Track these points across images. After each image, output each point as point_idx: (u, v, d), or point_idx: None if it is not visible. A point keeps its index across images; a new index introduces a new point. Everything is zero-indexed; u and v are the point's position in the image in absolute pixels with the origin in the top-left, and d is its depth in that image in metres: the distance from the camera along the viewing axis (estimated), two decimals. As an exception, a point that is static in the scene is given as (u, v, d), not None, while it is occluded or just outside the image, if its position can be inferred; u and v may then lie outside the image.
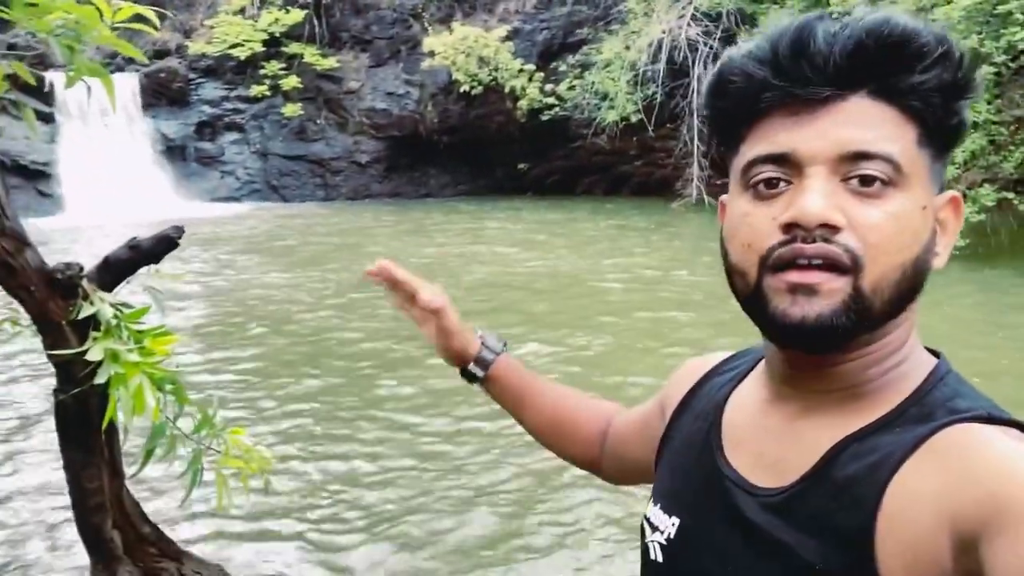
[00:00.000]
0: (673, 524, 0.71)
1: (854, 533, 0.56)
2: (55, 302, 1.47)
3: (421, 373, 5.40)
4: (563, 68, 17.17)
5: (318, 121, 18.56)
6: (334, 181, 18.55)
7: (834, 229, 0.58)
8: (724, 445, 0.71)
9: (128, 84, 17.69)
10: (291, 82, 17.95)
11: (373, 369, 5.59)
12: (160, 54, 18.52)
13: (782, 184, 0.61)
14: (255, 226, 14.07)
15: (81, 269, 1.50)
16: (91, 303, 1.53)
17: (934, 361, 0.65)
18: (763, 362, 0.72)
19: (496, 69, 17.00)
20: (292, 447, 4.19)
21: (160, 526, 1.86)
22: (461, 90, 17.19)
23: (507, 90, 17.11)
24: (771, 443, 0.66)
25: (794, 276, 0.59)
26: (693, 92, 14.84)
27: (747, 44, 0.63)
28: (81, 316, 1.50)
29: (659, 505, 0.74)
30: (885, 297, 0.59)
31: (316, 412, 4.73)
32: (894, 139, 0.59)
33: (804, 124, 0.60)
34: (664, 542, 0.71)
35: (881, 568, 0.54)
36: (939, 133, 0.61)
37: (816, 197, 0.58)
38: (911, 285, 0.60)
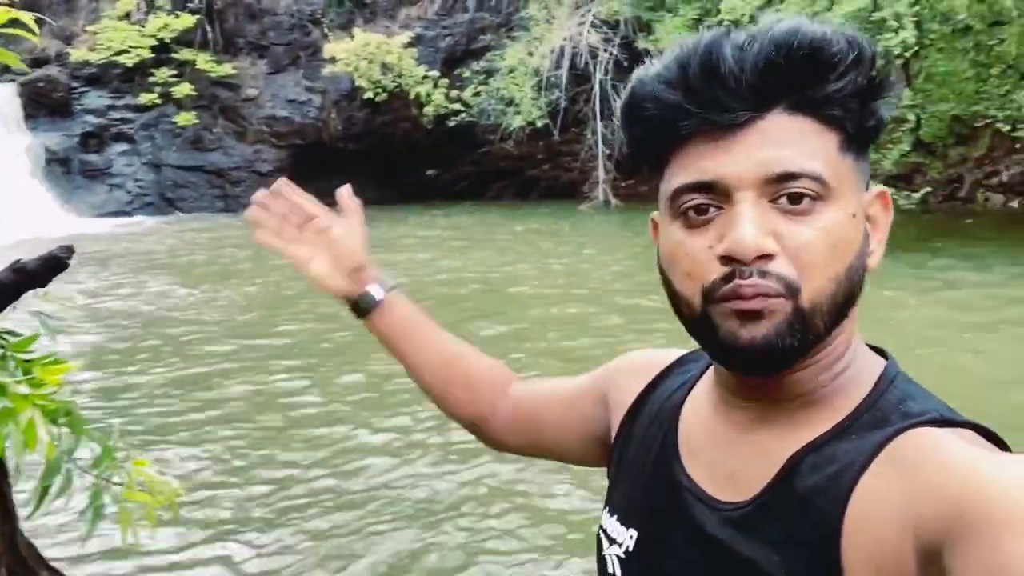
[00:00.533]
0: (631, 537, 0.70)
1: (819, 546, 0.56)
2: (-71, 334, 1.34)
3: (338, 391, 5.27)
4: (468, 74, 17.23)
5: (215, 130, 17.86)
6: (234, 192, 17.88)
7: (768, 257, 0.58)
8: (681, 454, 0.70)
9: (4, 94, 16.50)
10: (183, 90, 17.20)
11: (289, 383, 5.41)
12: (39, 62, 17.33)
13: (712, 210, 0.60)
14: (149, 241, 13.39)
15: (-42, 296, 1.38)
16: (-29, 333, 1.40)
17: (882, 363, 0.65)
18: (711, 371, 0.72)
19: (400, 75, 16.87)
20: (206, 473, 4.00)
21: (62, 568, 1.73)
22: (365, 97, 16.96)
23: (412, 96, 17.00)
24: (727, 452, 0.66)
25: (738, 304, 0.59)
26: (595, 97, 15.20)
27: (655, 66, 0.62)
28: (-40, 347, 1.37)
29: (616, 516, 0.73)
30: (824, 310, 0.59)
31: (230, 434, 4.53)
32: (816, 153, 0.59)
33: (726, 149, 0.59)
34: (623, 555, 0.70)
35: None
36: (860, 135, 0.61)
37: (748, 227, 0.58)
38: (848, 294, 0.61)
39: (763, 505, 0.60)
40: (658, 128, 0.62)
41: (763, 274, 0.58)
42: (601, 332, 6.39)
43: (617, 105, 0.71)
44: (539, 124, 16.01)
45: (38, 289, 1.61)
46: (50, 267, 1.53)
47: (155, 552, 3.16)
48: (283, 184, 0.97)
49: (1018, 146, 11.38)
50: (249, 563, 3.14)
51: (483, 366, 0.97)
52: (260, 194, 0.97)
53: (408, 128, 17.51)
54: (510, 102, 16.34)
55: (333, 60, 16.71)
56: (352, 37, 16.87)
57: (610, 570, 0.71)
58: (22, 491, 1.77)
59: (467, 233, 13.19)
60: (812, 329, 0.59)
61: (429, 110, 17.02)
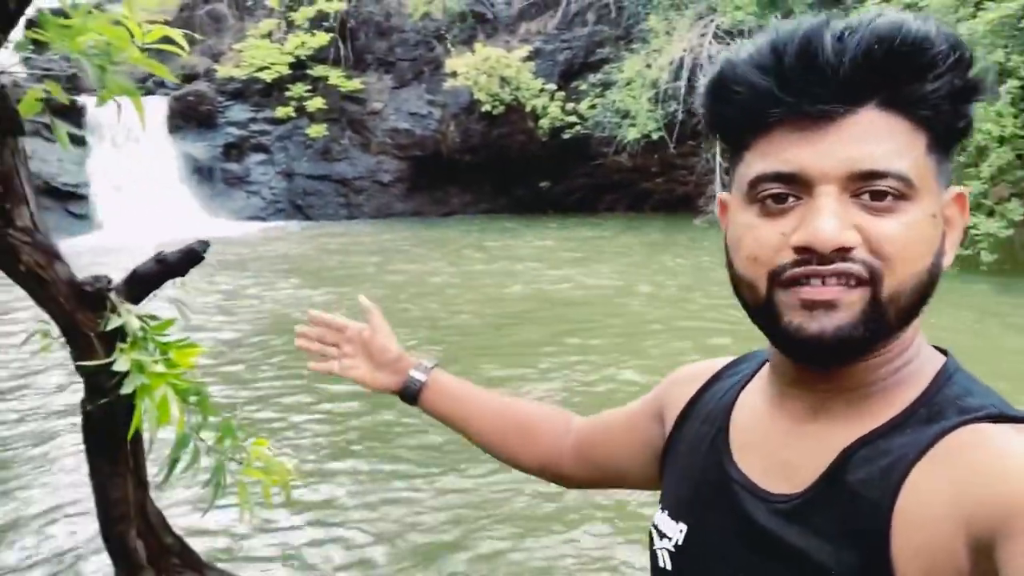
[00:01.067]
0: (681, 531, 0.70)
1: (869, 537, 0.55)
2: (83, 314, 1.50)
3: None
4: (584, 87, 17.26)
5: (342, 141, 18.81)
6: (357, 200, 18.75)
7: (848, 250, 0.57)
8: (732, 449, 0.70)
9: (158, 107, 18.11)
10: (316, 103, 18.24)
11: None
12: (189, 78, 18.93)
13: (791, 199, 0.59)
14: (281, 245, 14.25)
15: (109, 282, 1.54)
16: (118, 315, 1.56)
17: (942, 359, 0.64)
18: (768, 365, 0.72)
19: (517, 89, 17.14)
20: (321, 464, 4.21)
21: (183, 537, 1.88)
22: (483, 110, 17.34)
23: (528, 109, 17.22)
24: (780, 445, 0.66)
25: (809, 292, 0.58)
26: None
27: (748, 47, 0.61)
28: (108, 328, 1.53)
29: (667, 512, 0.73)
30: (901, 305, 0.59)
31: (349, 429, 4.74)
32: (905, 153, 0.58)
33: (813, 141, 0.58)
34: (672, 549, 0.70)
35: (897, 572, 0.54)
36: (948, 137, 0.60)
37: (830, 220, 0.57)
38: (925, 292, 0.60)
39: (814, 496, 0.60)
40: (745, 112, 0.61)
41: (845, 260, 0.57)
42: (708, 350, 6.22)
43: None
44: (655, 136, 15.80)
45: (177, 279, 1.77)
46: (188, 259, 1.68)
47: (266, 530, 3.36)
48: (310, 313, 1.13)
49: None
50: (351, 549, 3.28)
51: (535, 412, 1.00)
52: (300, 328, 1.13)
53: (523, 140, 17.74)
54: (626, 114, 16.23)
55: (454, 74, 17.22)
56: (473, 52, 17.33)
57: (661, 564, 0.71)
58: (156, 462, 1.94)
59: (580, 245, 13.18)
60: (886, 322, 0.59)
61: (545, 123, 17.19)
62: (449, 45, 18.17)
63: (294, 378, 5.81)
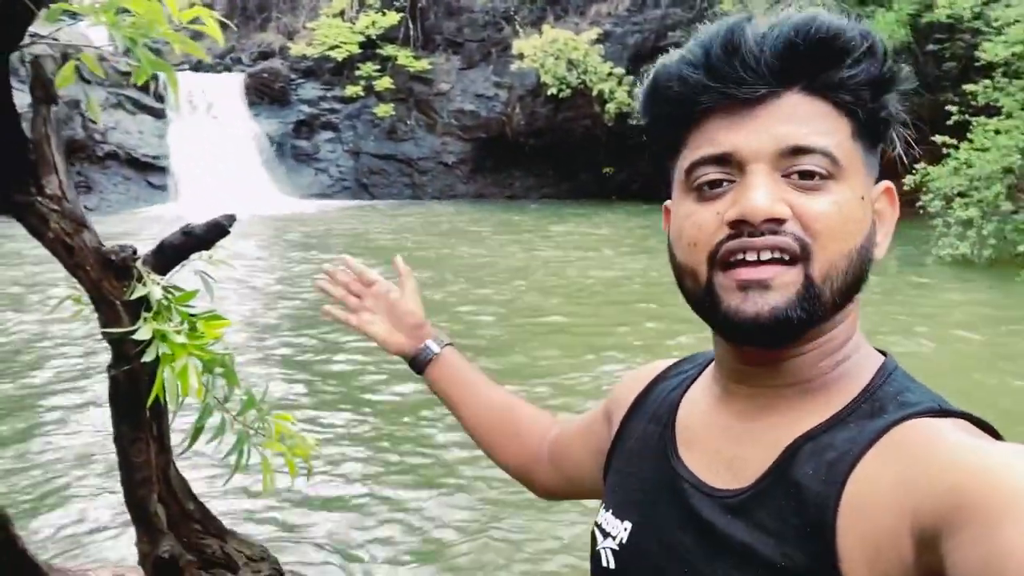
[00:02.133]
0: (625, 529, 0.70)
1: (815, 530, 0.56)
2: (109, 282, 1.54)
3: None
4: (653, 72, 16.95)
5: (408, 121, 19.02)
6: (421, 180, 18.96)
7: (780, 222, 0.59)
8: (678, 446, 0.71)
9: (235, 83, 18.65)
10: (384, 83, 18.48)
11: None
12: (264, 55, 19.43)
13: (725, 183, 0.62)
14: (347, 221, 14.52)
15: (135, 251, 1.57)
16: (144, 284, 1.59)
17: (881, 358, 0.66)
18: (712, 364, 0.73)
19: (585, 72, 16.95)
20: (346, 443, 4.28)
21: (206, 504, 1.92)
22: (549, 93, 17.23)
23: (595, 93, 17.02)
24: (725, 442, 0.66)
25: (744, 273, 0.60)
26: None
27: (678, 51, 0.65)
28: (133, 297, 1.56)
29: (611, 511, 0.73)
30: (835, 286, 0.60)
31: (377, 411, 4.81)
32: (829, 133, 0.61)
33: (742, 123, 0.61)
34: (616, 547, 0.70)
35: (843, 563, 0.54)
36: (871, 126, 0.63)
37: (760, 192, 0.59)
38: (857, 274, 0.62)
39: (760, 491, 0.61)
40: (678, 106, 0.64)
41: (775, 233, 0.59)
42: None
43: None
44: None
45: (205, 251, 1.79)
46: (215, 232, 1.70)
47: (289, 504, 3.44)
48: (345, 259, 1.12)
49: None
50: (366, 529, 3.33)
51: (530, 416, 1.00)
52: (326, 267, 1.12)
53: (589, 125, 17.56)
54: (695, 101, 15.87)
55: (521, 56, 17.15)
56: (541, 34, 17.19)
57: (604, 563, 0.71)
58: (181, 429, 1.99)
59: (639, 233, 13.00)
60: (822, 304, 0.60)
61: (611, 107, 16.96)
62: (517, 26, 18.08)
63: (328, 351, 5.92)
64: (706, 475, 0.66)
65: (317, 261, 9.99)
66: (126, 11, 1.59)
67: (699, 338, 6.40)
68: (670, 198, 0.70)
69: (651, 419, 0.76)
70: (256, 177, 18.01)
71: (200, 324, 1.74)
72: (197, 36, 1.80)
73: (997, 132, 9.05)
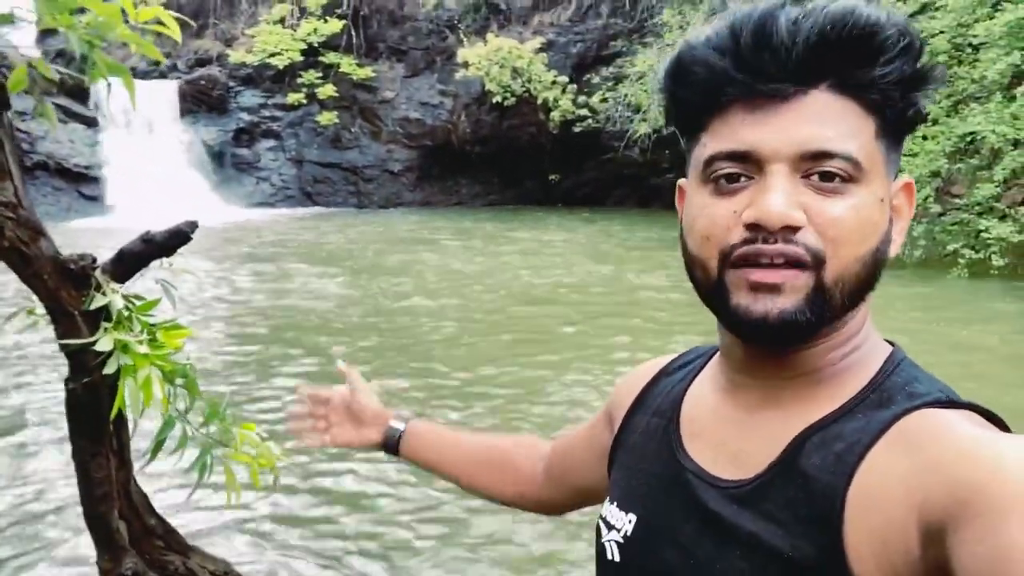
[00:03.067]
0: (630, 521, 0.70)
1: (823, 521, 0.56)
2: (67, 292, 1.48)
3: (431, 385, 5.40)
4: (596, 80, 17.20)
5: (352, 129, 18.83)
6: (367, 189, 18.78)
7: (795, 229, 0.58)
8: (683, 438, 0.70)
9: (170, 90, 18.14)
10: (327, 91, 18.25)
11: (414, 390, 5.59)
12: (202, 62, 18.96)
13: (743, 179, 0.61)
14: (289, 230, 14.27)
15: (94, 260, 1.52)
16: (103, 294, 1.54)
17: (889, 348, 0.66)
18: (717, 355, 0.72)
19: (529, 80, 17.10)
20: (309, 454, 4.21)
21: (168, 519, 1.87)
22: (494, 101, 17.32)
23: (540, 101, 17.18)
24: (732, 433, 0.66)
25: (756, 275, 0.59)
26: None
27: (707, 31, 0.63)
28: (93, 307, 1.51)
29: (615, 503, 0.73)
30: (846, 290, 0.60)
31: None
32: (854, 135, 0.59)
33: (766, 120, 0.59)
34: (621, 540, 0.70)
35: (851, 554, 0.54)
36: (897, 124, 0.61)
37: (778, 197, 0.58)
38: (870, 276, 0.61)
39: (767, 481, 0.60)
40: (702, 93, 0.62)
41: (788, 241, 0.58)
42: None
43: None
44: (666, 132, 15.73)
45: (164, 259, 1.75)
46: (176, 239, 1.66)
47: (253, 517, 3.37)
48: (300, 389, 1.19)
49: None
50: (336, 544, 3.28)
51: (507, 445, 1.03)
52: (292, 411, 1.20)
53: (534, 133, 17.71)
54: (637, 109, 16.16)
55: (466, 65, 17.19)
56: (486, 42, 17.28)
57: (609, 556, 0.71)
58: (141, 444, 1.93)
59: (582, 238, 13.15)
60: (831, 306, 0.60)
61: (556, 115, 17.14)
62: (462, 35, 18.12)
63: (282, 361, 5.82)
64: (711, 466, 0.65)
65: (268, 274, 9.79)
66: (81, 11, 1.55)
67: (679, 341, 6.51)
68: (684, 176, 0.69)
69: (655, 413, 0.76)
70: (194, 186, 17.53)
71: (159, 334, 1.70)
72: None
73: (924, 138, 9.49)
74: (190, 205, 16.14)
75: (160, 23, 1.70)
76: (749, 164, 0.60)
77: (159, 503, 1.97)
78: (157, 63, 18.54)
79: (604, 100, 16.90)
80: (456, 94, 18.15)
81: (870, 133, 0.60)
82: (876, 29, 0.58)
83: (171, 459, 1.96)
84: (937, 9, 9.53)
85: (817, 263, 0.58)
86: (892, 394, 0.60)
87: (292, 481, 3.77)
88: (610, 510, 0.73)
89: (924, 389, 0.60)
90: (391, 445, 1.08)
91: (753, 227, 0.59)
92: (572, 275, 9.69)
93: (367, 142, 18.88)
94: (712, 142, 0.62)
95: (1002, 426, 0.58)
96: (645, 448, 0.74)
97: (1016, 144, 8.71)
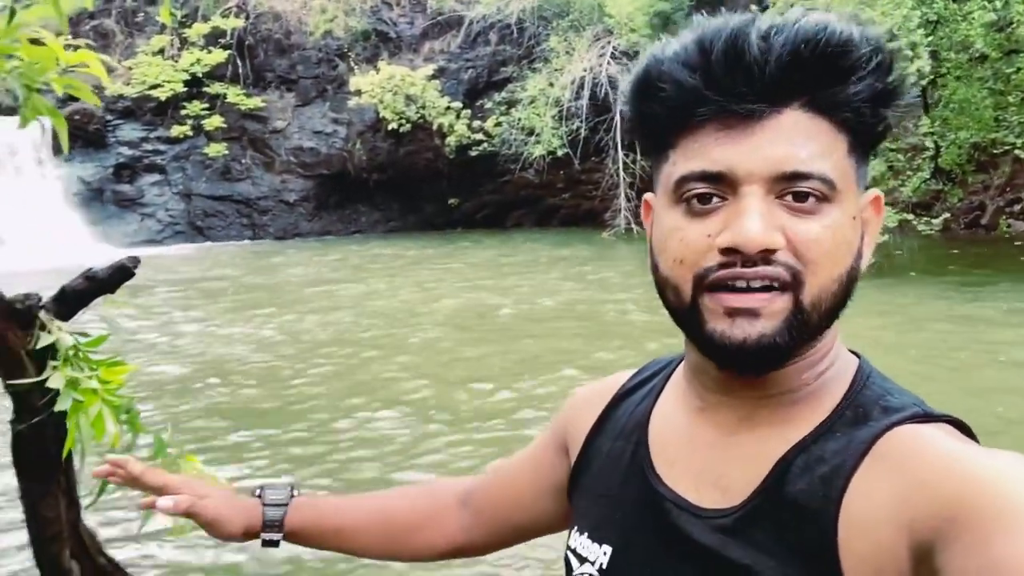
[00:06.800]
0: (605, 553, 0.67)
1: (815, 548, 0.55)
2: (14, 332, 1.49)
3: (368, 419, 5.38)
4: (489, 105, 17.55)
5: (243, 160, 18.32)
6: (261, 221, 18.28)
7: (772, 251, 0.57)
8: (656, 464, 0.67)
9: (39, 126, 17.07)
10: (214, 122, 17.70)
11: (326, 414, 5.50)
12: (74, 96, 17.97)
13: (715, 200, 0.59)
14: (178, 269, 13.70)
15: (40, 299, 1.53)
16: (49, 332, 1.56)
17: (856, 360, 0.65)
18: (681, 373, 0.70)
19: (423, 107, 17.23)
20: (246, 481, 4.12)
21: (116, 557, 1.85)
22: (389, 128, 17.32)
23: (435, 127, 17.34)
24: (711, 458, 0.64)
25: (734, 300, 0.58)
26: (616, 126, 15.40)
27: (674, 44, 0.61)
28: (39, 346, 1.52)
29: (586, 534, 0.70)
30: (823, 310, 0.59)
31: (272, 456, 4.65)
32: (828, 154, 0.58)
33: (739, 140, 0.58)
34: (596, 573, 0.67)
35: None
36: (867, 139, 0.61)
37: (756, 221, 0.57)
38: (846, 295, 0.61)
39: (755, 510, 0.59)
40: (671, 110, 0.60)
41: (767, 263, 0.57)
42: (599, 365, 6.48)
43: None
44: (560, 153, 16.24)
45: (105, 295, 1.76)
46: (119, 275, 1.68)
47: (202, 547, 3.28)
48: (115, 460, 0.94)
49: (1039, 173, 11.36)
50: (288, 558, 3.25)
51: (418, 498, 0.91)
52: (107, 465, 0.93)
53: (431, 158, 17.82)
54: (531, 132, 16.61)
55: (359, 93, 17.13)
56: (377, 70, 17.30)
57: None
58: (86, 481, 1.91)
59: (486, 260, 13.34)
60: (808, 327, 0.59)
61: (452, 140, 17.34)
62: (352, 63, 18.06)
63: (202, 401, 5.65)
64: (693, 494, 0.63)
65: (158, 314, 9.38)
66: (10, 56, 1.58)
67: (605, 363, 6.72)
68: (651, 191, 0.67)
69: (619, 436, 0.72)
70: (70, 227, 16.51)
71: (102, 370, 1.71)
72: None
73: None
74: (65, 247, 15.19)
75: (86, 66, 1.74)
76: (722, 185, 0.59)
77: (107, 534, 1.95)
78: (16, 100, 17.41)
79: (498, 124, 17.27)
80: (350, 122, 18.03)
81: (843, 151, 0.59)
82: (850, 47, 0.57)
83: (118, 494, 1.95)
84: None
85: (796, 284, 0.57)
86: (868, 409, 0.59)
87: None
88: (580, 541, 0.70)
89: (898, 402, 0.59)
90: (273, 524, 0.86)
91: (729, 251, 0.57)
92: (492, 297, 9.82)
93: (260, 173, 18.40)
94: (683, 161, 0.60)
95: (970, 434, 0.59)
96: (612, 474, 0.71)
97: (875, 153, 9.57)
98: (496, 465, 0.90)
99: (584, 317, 8.38)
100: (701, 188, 0.59)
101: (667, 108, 0.61)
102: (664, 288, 0.63)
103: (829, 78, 0.58)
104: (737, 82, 0.57)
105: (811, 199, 0.58)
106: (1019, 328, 7.10)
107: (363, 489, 4.03)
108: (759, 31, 0.57)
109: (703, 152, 0.59)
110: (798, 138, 0.58)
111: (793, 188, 0.58)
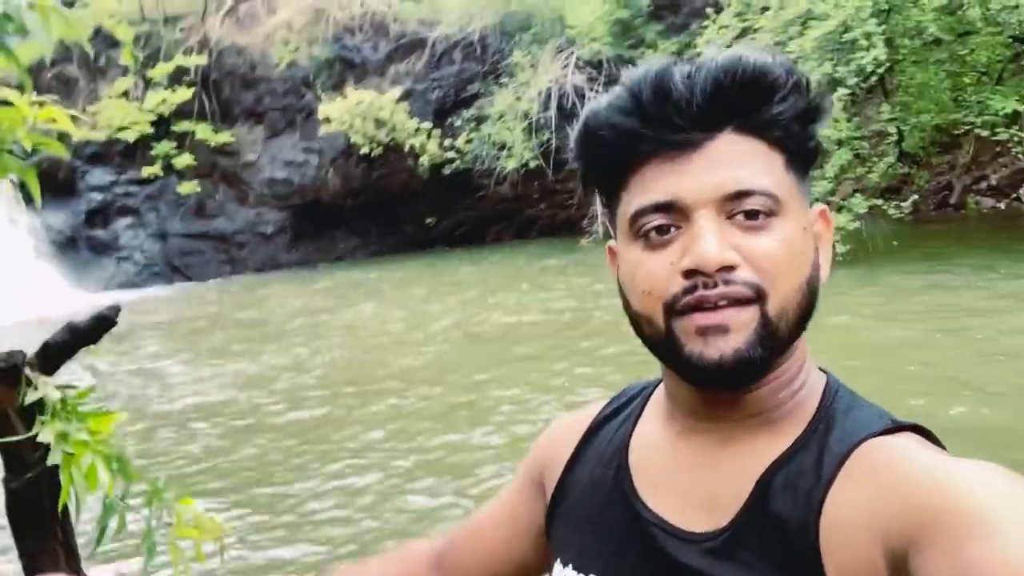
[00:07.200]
0: None
1: (800, 562, 0.57)
2: (1, 390, 1.50)
3: (356, 452, 5.36)
4: (459, 123, 17.63)
5: (217, 196, 18.25)
6: (240, 255, 18.18)
7: (731, 268, 0.60)
8: (639, 488, 0.69)
9: (6, 182, 16.89)
10: (185, 160, 17.64)
11: (306, 454, 5.47)
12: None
13: (672, 230, 0.62)
14: (157, 311, 13.58)
15: (24, 356, 1.54)
16: (35, 388, 1.57)
17: (824, 376, 0.68)
18: (659, 397, 0.72)
19: (394, 129, 17.28)
20: (259, 530, 4.10)
21: (118, 606, 1.85)
22: (361, 152, 17.34)
23: (407, 148, 17.38)
24: (694, 480, 0.65)
25: (702, 319, 0.60)
26: (585, 135, 15.50)
27: (607, 97, 0.65)
28: (28, 401, 1.53)
29: (570, 565, 0.70)
30: (790, 320, 0.62)
31: (259, 496, 4.62)
32: (766, 171, 0.62)
33: (682, 170, 0.61)
34: None
35: None
36: (801, 156, 0.65)
37: (710, 240, 0.59)
38: (810, 305, 0.63)
39: (740, 530, 0.61)
40: (615, 153, 0.64)
41: (728, 282, 0.60)
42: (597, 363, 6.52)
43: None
44: (532, 165, 16.33)
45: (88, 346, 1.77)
46: (100, 325, 1.69)
47: None
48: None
49: (999, 149, 11.61)
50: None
51: (384, 569, 0.90)
52: None
53: (405, 179, 17.85)
54: (502, 146, 16.70)
55: (328, 120, 17.15)
56: (345, 96, 17.34)
57: None
58: (82, 532, 1.91)
59: (466, 277, 13.35)
60: (778, 339, 0.62)
61: (424, 160, 17.39)
62: (319, 92, 18.09)
63: (195, 443, 5.61)
64: (678, 518, 0.64)
65: (132, 352, 9.29)
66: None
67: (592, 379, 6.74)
68: (612, 237, 0.70)
69: (599, 463, 0.73)
70: (43, 276, 16.33)
71: (90, 421, 1.72)
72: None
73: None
74: (40, 297, 15.02)
75: (54, 120, 1.77)
76: (675, 213, 0.62)
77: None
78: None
79: (469, 141, 17.34)
80: (321, 150, 18.03)
81: (780, 168, 0.63)
82: (765, 71, 0.62)
83: (117, 543, 1.95)
84: (755, 31, 10.57)
85: (760, 297, 0.60)
86: (839, 423, 0.62)
87: (243, 552, 3.68)
88: (565, 573, 0.70)
89: (866, 415, 0.63)
90: None
91: (691, 273, 0.60)
92: (477, 313, 9.83)
93: (234, 208, 18.33)
94: (634, 198, 0.64)
95: (937, 442, 0.62)
96: (594, 501, 0.71)
97: (840, 143, 9.75)
98: (467, 520, 0.88)
99: (572, 326, 8.42)
100: (656, 220, 0.63)
101: (609, 152, 0.65)
102: (639, 322, 0.65)
103: (753, 100, 0.62)
104: (669, 115, 0.62)
105: (760, 215, 0.61)
106: (992, 299, 7.23)
107: (362, 525, 4.03)
108: (682, 71, 0.62)
109: (651, 185, 0.63)
110: (736, 159, 0.62)
111: (742, 207, 0.61)
